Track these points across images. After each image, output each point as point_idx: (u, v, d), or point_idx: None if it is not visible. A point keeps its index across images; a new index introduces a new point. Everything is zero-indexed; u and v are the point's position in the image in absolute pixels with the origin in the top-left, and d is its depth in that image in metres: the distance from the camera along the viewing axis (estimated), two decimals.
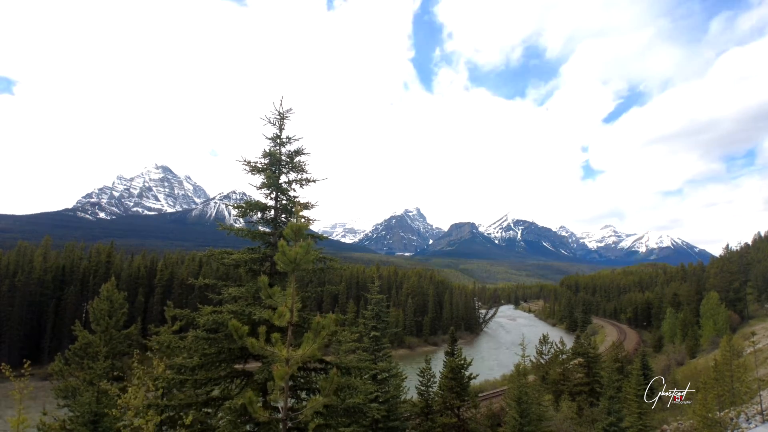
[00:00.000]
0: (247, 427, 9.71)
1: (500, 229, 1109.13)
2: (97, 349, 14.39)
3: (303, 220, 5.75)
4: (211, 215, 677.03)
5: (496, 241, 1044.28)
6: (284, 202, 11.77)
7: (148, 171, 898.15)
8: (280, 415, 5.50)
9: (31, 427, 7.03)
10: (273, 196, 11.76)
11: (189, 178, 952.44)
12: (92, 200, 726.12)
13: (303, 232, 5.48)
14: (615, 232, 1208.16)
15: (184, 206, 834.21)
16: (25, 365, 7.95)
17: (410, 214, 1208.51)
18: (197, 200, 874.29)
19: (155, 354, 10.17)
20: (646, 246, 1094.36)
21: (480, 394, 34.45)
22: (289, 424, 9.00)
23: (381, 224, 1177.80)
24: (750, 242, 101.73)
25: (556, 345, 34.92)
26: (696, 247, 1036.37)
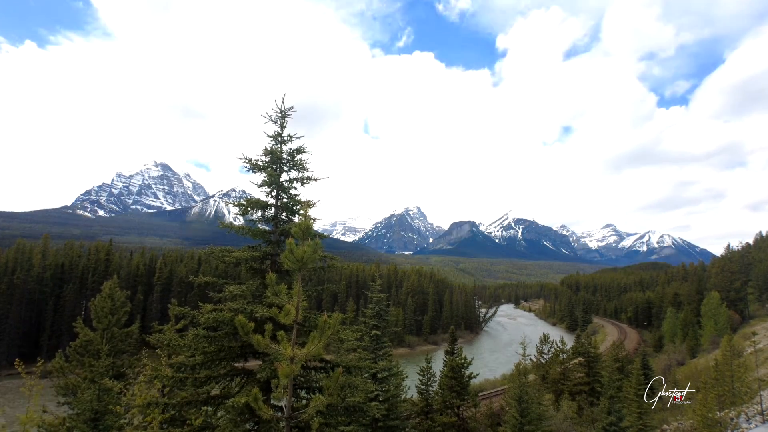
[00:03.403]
0: (247, 426, 9.68)
1: (501, 227, 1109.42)
2: (98, 347, 14.36)
3: (307, 219, 5.74)
4: (210, 213, 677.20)
5: (497, 240, 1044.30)
6: (285, 200, 11.66)
7: (148, 169, 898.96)
8: (284, 414, 5.48)
9: (32, 425, 6.99)
10: (274, 194, 11.63)
11: (188, 175, 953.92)
12: (91, 198, 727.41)
13: (311, 231, 5.48)
14: (616, 231, 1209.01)
15: (184, 204, 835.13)
16: (39, 363, 7.89)
17: (410, 212, 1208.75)
18: (197, 198, 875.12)
19: (163, 351, 10.15)
20: (648, 245, 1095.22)
21: (480, 394, 34.50)
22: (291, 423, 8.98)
23: (381, 223, 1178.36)
24: (751, 242, 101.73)
25: (557, 344, 34.90)
26: (697, 247, 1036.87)
